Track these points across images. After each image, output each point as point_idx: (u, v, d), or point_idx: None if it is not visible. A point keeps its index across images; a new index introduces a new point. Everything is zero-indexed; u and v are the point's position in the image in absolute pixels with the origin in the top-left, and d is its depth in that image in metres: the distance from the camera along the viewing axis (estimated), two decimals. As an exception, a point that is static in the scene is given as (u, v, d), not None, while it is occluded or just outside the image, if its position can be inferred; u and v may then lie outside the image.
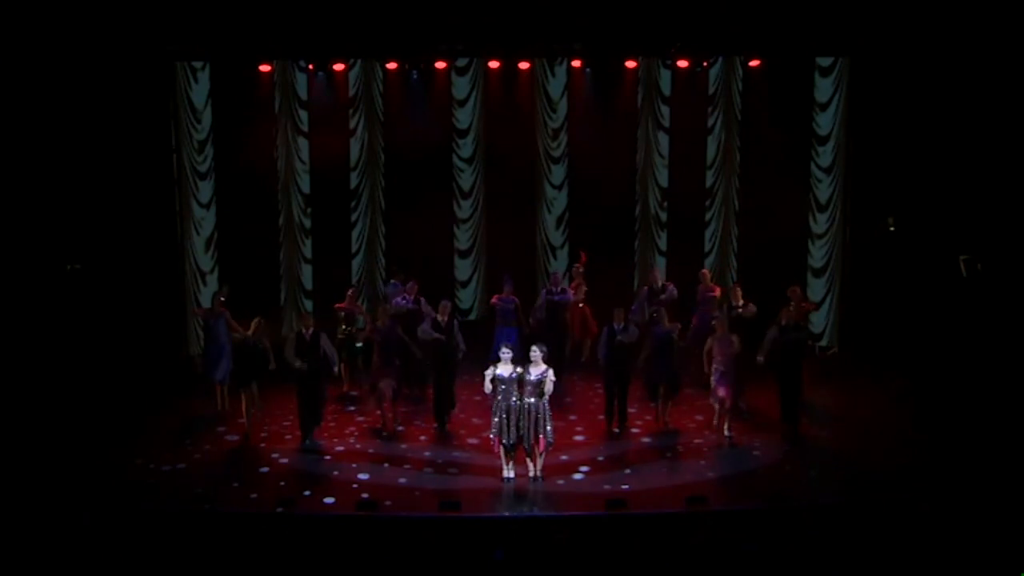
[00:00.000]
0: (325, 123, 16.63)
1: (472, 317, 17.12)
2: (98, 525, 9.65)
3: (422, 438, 12.73)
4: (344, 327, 14.22)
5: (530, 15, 14.90)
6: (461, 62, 16.62)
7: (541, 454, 11.17)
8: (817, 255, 16.83)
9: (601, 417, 13.05)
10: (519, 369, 10.99)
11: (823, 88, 16.49)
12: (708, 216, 17.08)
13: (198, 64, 16.06)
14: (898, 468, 11.38)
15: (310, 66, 16.21)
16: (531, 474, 11.20)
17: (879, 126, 15.80)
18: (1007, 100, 14.16)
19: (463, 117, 16.91)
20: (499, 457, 11.24)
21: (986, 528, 9.47)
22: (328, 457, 12.07)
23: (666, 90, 16.81)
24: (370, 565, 9.28)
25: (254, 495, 10.81)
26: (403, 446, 12.41)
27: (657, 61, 16.62)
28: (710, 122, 16.83)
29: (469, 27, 15.21)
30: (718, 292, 14.50)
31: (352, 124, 16.72)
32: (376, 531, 9.73)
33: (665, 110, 16.87)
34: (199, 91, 16.15)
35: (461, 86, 16.82)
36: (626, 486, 11.03)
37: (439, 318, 12.98)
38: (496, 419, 11.06)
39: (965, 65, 14.52)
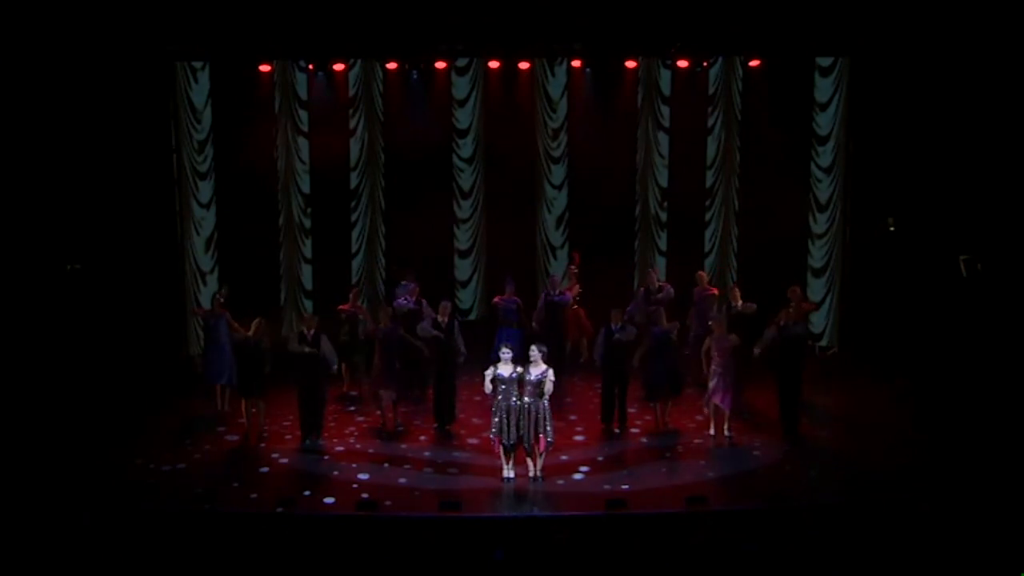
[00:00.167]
0: (325, 123, 16.61)
1: (472, 317, 17.11)
2: (98, 525, 9.65)
3: (422, 438, 12.73)
4: (346, 329, 14.20)
5: (530, 15, 14.88)
6: (461, 62, 16.61)
7: (541, 454, 11.17)
8: (817, 255, 16.83)
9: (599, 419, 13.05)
10: (519, 369, 11.00)
11: (823, 88, 16.50)
12: (708, 216, 17.07)
13: (198, 64, 16.07)
14: (898, 468, 11.37)
15: (310, 66, 16.21)
16: (531, 474, 11.20)
17: (879, 126, 15.80)
18: (1007, 100, 14.14)
19: (463, 117, 16.90)
20: (499, 457, 11.25)
21: (986, 528, 9.47)
22: (328, 457, 12.07)
23: (666, 90, 16.79)
24: (370, 565, 9.28)
25: (254, 495, 10.81)
26: (403, 446, 12.41)
27: (657, 61, 16.61)
28: (710, 122, 16.81)
29: (469, 27, 15.21)
30: (715, 292, 14.52)
31: (352, 124, 16.70)
32: (376, 531, 9.74)
33: (665, 110, 16.86)
34: (199, 91, 16.16)
35: (461, 86, 16.81)
36: (626, 486, 11.02)
37: (439, 318, 12.99)
38: (496, 419, 11.06)
39: (965, 65, 14.51)
